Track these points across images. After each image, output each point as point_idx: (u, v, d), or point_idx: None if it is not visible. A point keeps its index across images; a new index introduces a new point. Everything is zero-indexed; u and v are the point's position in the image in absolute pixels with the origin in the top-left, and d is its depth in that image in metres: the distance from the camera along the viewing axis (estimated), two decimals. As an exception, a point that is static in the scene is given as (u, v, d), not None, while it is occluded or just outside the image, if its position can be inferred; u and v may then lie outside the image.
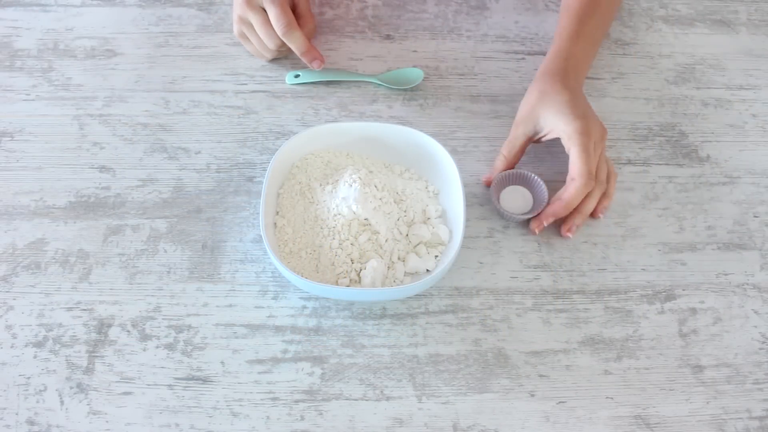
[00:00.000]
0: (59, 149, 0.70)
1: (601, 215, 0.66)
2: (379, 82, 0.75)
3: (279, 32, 0.71)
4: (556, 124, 0.64)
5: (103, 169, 0.69)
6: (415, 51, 0.79)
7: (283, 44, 0.73)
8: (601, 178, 0.65)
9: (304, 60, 0.74)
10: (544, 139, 0.67)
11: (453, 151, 0.65)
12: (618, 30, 0.82)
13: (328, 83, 0.76)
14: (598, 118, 0.66)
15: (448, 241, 0.62)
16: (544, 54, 0.79)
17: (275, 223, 0.63)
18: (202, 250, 0.64)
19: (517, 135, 0.67)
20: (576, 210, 0.64)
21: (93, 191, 0.68)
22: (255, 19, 0.72)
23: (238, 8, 0.72)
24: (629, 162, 0.71)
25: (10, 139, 0.71)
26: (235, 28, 0.74)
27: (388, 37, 0.81)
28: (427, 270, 0.61)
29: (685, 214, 0.68)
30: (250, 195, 0.67)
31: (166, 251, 0.64)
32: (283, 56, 0.78)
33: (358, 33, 0.81)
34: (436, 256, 0.62)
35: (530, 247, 0.65)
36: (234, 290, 0.62)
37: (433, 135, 0.66)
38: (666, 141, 0.73)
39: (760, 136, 0.74)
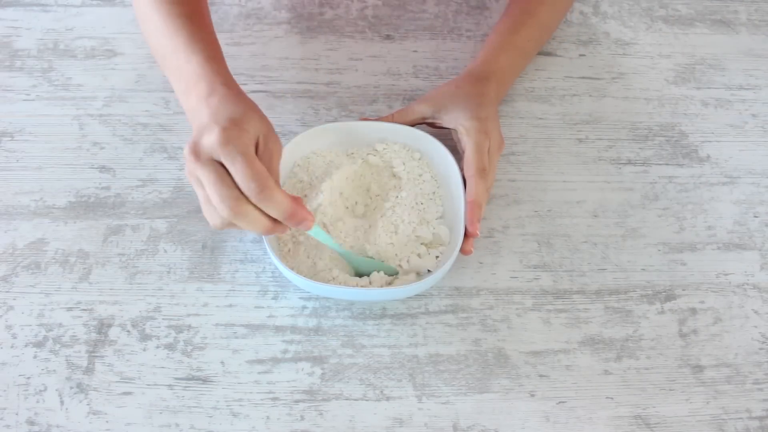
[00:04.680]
0: (59, 149, 0.70)
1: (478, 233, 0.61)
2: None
3: (253, 197, 0.49)
4: (458, 118, 0.65)
5: (103, 169, 0.69)
6: (415, 51, 0.79)
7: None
8: (489, 185, 0.64)
9: (288, 224, 0.52)
10: (438, 125, 0.68)
11: (453, 151, 0.65)
12: (618, 30, 0.82)
13: (328, 83, 0.76)
14: (501, 131, 0.67)
15: (448, 241, 0.62)
16: (543, 54, 0.79)
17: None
18: (202, 250, 0.64)
19: (414, 111, 0.68)
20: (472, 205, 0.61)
21: (93, 191, 0.68)
22: (206, 177, 0.50)
23: (187, 162, 0.51)
24: (629, 162, 0.71)
25: (10, 139, 0.71)
26: (187, 177, 0.54)
27: (388, 37, 0.81)
28: (428, 270, 0.61)
29: (685, 214, 0.68)
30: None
31: (166, 251, 0.64)
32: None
33: (358, 33, 0.81)
34: (437, 256, 0.62)
35: (530, 247, 0.65)
36: (234, 290, 0.62)
37: (434, 134, 0.66)
38: (666, 141, 0.73)
39: (760, 136, 0.74)
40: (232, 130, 0.50)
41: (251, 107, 0.54)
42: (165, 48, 0.61)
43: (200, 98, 0.55)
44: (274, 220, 0.52)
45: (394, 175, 0.66)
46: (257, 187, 0.49)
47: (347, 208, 0.64)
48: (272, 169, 0.53)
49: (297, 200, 0.52)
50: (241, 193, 0.49)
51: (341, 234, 0.62)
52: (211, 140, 0.49)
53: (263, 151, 0.53)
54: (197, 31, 0.60)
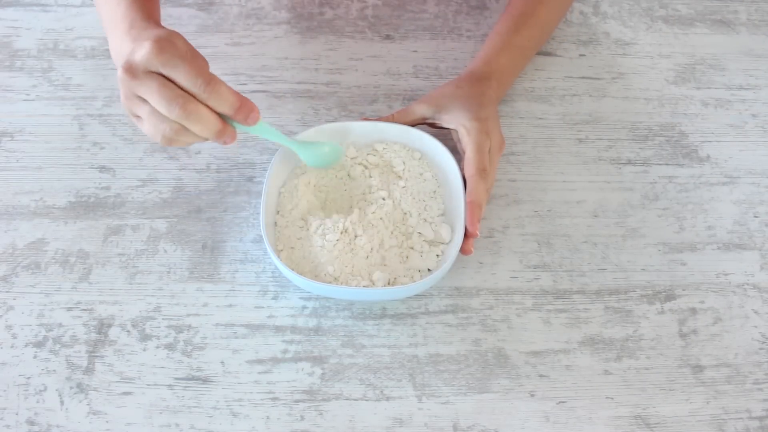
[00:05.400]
0: (59, 149, 0.70)
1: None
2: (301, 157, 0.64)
3: (201, 92, 0.51)
4: (458, 118, 0.65)
5: (103, 169, 0.69)
6: (415, 51, 0.79)
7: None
8: (490, 185, 0.64)
9: (236, 118, 0.54)
10: (438, 126, 0.68)
11: (453, 151, 0.65)
12: (618, 30, 0.82)
13: (328, 83, 0.76)
14: (502, 131, 0.67)
15: (449, 240, 0.62)
16: (543, 54, 0.79)
17: (275, 223, 0.63)
18: (202, 250, 0.64)
19: (414, 111, 0.68)
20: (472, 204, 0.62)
21: (93, 191, 0.68)
22: (149, 88, 0.51)
23: (123, 84, 0.51)
24: (629, 162, 0.71)
25: (10, 139, 0.71)
26: (125, 106, 0.54)
27: (388, 37, 0.81)
28: (429, 269, 0.61)
29: (685, 214, 0.68)
30: (250, 195, 0.67)
31: (166, 251, 0.64)
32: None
33: (358, 33, 0.81)
34: (438, 255, 0.62)
35: (530, 247, 0.65)
36: (234, 290, 0.62)
37: (434, 134, 0.66)
38: (666, 141, 0.73)
39: (760, 136, 0.74)
40: (163, 41, 0.50)
41: (175, 31, 0.54)
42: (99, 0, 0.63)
43: (122, 34, 0.57)
44: (223, 122, 0.53)
45: (395, 174, 0.66)
46: (204, 81, 0.50)
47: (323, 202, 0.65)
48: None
49: (243, 97, 0.54)
50: (188, 93, 0.51)
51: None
52: (144, 53, 0.50)
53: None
54: None
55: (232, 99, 0.53)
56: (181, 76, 0.50)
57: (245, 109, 0.54)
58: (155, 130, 0.53)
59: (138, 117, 0.54)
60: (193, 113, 0.51)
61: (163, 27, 0.56)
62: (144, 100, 0.51)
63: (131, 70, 0.50)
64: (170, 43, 0.51)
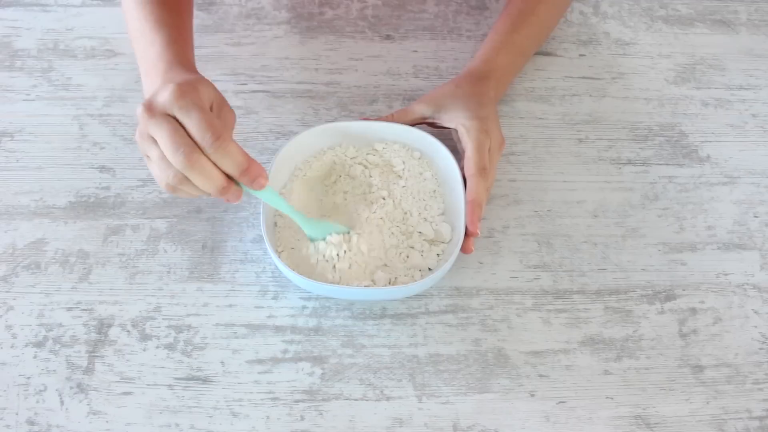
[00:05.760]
0: (59, 149, 0.70)
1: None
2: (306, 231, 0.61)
3: (207, 147, 0.49)
4: (458, 118, 0.65)
5: (103, 169, 0.69)
6: (415, 51, 0.79)
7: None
8: (490, 184, 0.64)
9: (242, 180, 0.52)
10: (437, 125, 0.68)
11: (453, 150, 0.65)
12: (618, 30, 0.82)
13: (328, 83, 0.76)
14: (502, 130, 0.67)
15: (450, 239, 0.62)
16: (543, 54, 0.79)
17: (275, 223, 0.63)
18: (202, 250, 0.64)
19: (414, 111, 0.68)
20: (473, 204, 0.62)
21: (93, 191, 0.68)
22: (160, 130, 0.49)
23: (140, 121, 0.50)
24: (629, 162, 0.71)
25: (10, 139, 0.71)
26: (138, 143, 0.52)
27: (388, 37, 0.81)
28: (430, 269, 0.61)
29: (685, 214, 0.68)
30: (250, 195, 0.67)
31: (166, 251, 0.64)
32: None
33: (358, 33, 0.81)
34: (438, 255, 0.62)
35: (530, 247, 0.65)
36: (234, 290, 0.62)
37: (434, 134, 0.66)
38: (666, 141, 0.73)
39: (760, 136, 0.74)
40: (186, 86, 0.50)
41: (206, 79, 0.54)
42: (135, 32, 0.63)
43: (160, 74, 0.57)
44: (229, 179, 0.51)
45: (395, 173, 0.66)
46: (212, 136, 0.48)
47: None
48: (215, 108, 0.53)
49: (252, 160, 0.51)
50: (196, 144, 0.49)
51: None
52: (165, 95, 0.49)
53: (217, 114, 0.53)
54: (165, 16, 0.62)
55: (240, 160, 0.50)
56: (193, 126, 0.49)
57: (252, 173, 0.51)
58: (161, 175, 0.51)
59: (148, 158, 0.52)
60: (196, 165, 0.49)
61: (198, 73, 0.56)
62: (155, 142, 0.50)
63: (150, 109, 0.49)
64: (193, 90, 0.50)
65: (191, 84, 0.51)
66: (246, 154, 0.51)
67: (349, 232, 0.61)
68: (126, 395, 0.56)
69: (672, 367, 0.59)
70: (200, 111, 0.49)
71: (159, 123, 0.49)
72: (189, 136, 0.49)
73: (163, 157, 0.50)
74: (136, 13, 0.63)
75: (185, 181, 0.51)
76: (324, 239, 0.60)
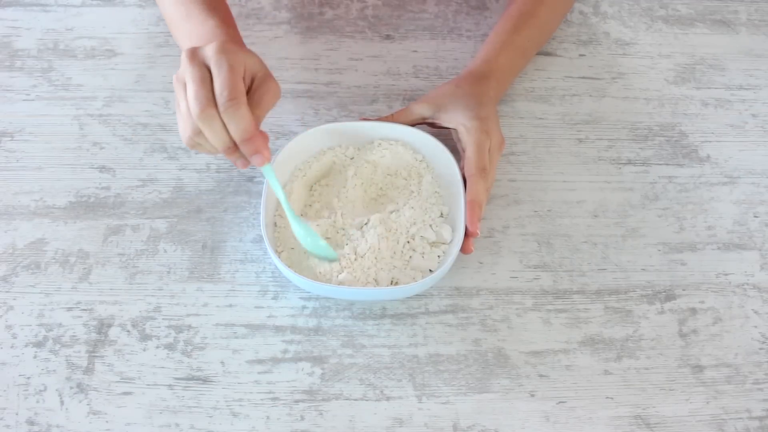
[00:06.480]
0: (59, 149, 0.70)
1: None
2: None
3: (220, 104, 0.50)
4: (458, 118, 0.65)
5: (103, 169, 0.69)
6: (415, 51, 0.79)
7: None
8: (490, 184, 0.64)
9: (242, 149, 0.53)
10: (437, 125, 0.68)
11: (453, 150, 0.65)
12: (618, 30, 0.82)
13: (328, 83, 0.76)
14: (501, 131, 0.67)
15: (450, 240, 0.62)
16: (543, 54, 0.79)
17: (276, 223, 0.63)
18: (202, 250, 0.64)
19: (414, 111, 0.68)
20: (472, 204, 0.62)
21: (93, 191, 0.68)
22: (191, 75, 0.51)
23: (182, 63, 0.53)
24: (629, 162, 0.71)
25: (10, 139, 0.71)
26: (174, 86, 0.54)
27: (388, 37, 0.81)
28: (431, 270, 0.61)
29: (685, 214, 0.68)
30: (250, 195, 0.67)
31: (166, 251, 0.64)
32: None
33: (358, 33, 0.81)
34: (439, 256, 0.61)
35: (530, 247, 0.65)
36: (234, 290, 0.62)
37: (434, 134, 0.66)
38: (666, 141, 0.73)
39: (760, 136, 0.74)
40: (230, 45, 0.52)
41: (255, 54, 0.55)
42: (179, 13, 0.65)
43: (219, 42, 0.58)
44: (234, 144, 0.52)
45: (395, 174, 0.66)
46: (228, 95, 0.50)
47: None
48: (262, 104, 0.53)
49: (263, 133, 0.53)
50: (214, 98, 0.50)
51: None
52: (209, 47, 0.52)
53: (258, 85, 0.54)
54: (213, 1, 0.65)
55: (245, 127, 0.51)
56: (218, 81, 0.50)
57: (253, 145, 0.52)
58: (183, 126, 0.53)
59: (178, 107, 0.53)
60: (207, 118, 0.50)
61: (251, 51, 0.57)
62: (184, 91, 0.52)
63: (192, 55, 0.52)
64: (234, 52, 0.52)
65: (236, 49, 0.52)
66: (255, 126, 0.52)
67: (336, 259, 0.59)
68: (126, 395, 0.56)
69: (672, 367, 0.59)
70: (230, 70, 0.50)
71: (193, 69, 0.51)
72: (212, 91, 0.51)
73: (187, 109, 0.52)
74: None
75: (200, 135, 0.52)
76: (313, 253, 0.60)
